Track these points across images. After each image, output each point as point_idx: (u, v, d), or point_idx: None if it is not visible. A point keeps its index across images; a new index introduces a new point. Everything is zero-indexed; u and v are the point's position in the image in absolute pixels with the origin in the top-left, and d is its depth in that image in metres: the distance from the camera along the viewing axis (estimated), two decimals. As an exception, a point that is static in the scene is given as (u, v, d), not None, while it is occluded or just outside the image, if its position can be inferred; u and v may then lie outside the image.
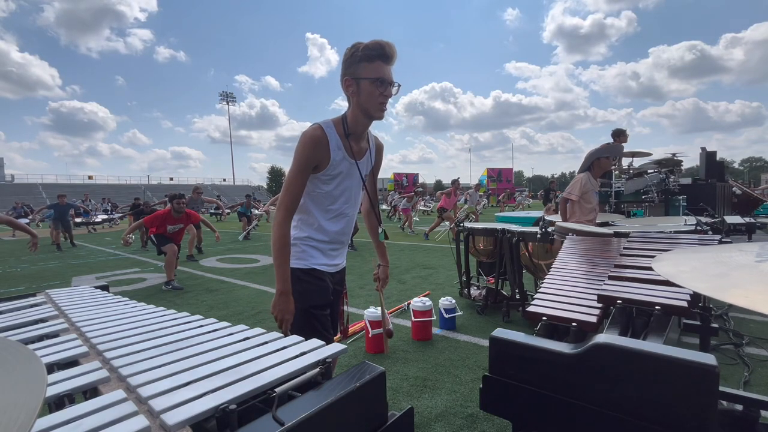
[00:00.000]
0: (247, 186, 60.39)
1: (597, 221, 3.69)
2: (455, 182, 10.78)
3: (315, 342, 0.74)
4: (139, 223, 5.69)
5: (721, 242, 1.68)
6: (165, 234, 5.49)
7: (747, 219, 3.22)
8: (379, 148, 1.59)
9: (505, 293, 3.83)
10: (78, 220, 15.35)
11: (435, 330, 3.37)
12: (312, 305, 1.41)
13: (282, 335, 0.80)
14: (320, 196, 1.40)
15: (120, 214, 18.67)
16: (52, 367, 0.70)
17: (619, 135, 6.19)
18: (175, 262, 5.30)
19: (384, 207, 20.91)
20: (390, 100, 1.34)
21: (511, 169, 44.20)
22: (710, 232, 2.40)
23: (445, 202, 10.39)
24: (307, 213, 1.45)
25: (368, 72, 1.27)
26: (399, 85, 1.34)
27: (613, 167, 6.02)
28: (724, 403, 0.94)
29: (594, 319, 1.16)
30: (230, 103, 71.62)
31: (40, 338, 0.87)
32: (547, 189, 18.19)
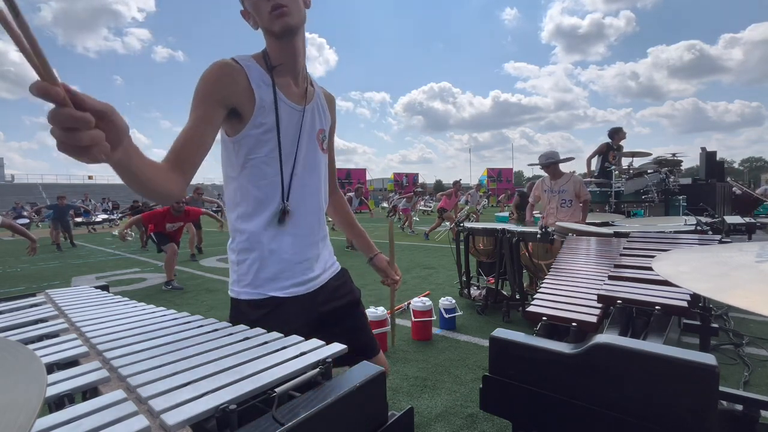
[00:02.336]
0: (247, 186, 60.13)
1: (597, 221, 3.70)
2: (457, 183, 10.88)
3: (315, 342, 0.74)
4: (138, 219, 5.65)
5: (721, 242, 1.68)
6: (164, 232, 5.48)
7: (747, 219, 3.22)
8: (330, 100, 1.19)
9: (505, 293, 3.83)
10: (78, 219, 15.34)
11: (435, 330, 3.37)
12: None
13: (282, 335, 0.80)
14: (258, 162, 0.98)
15: (120, 215, 18.60)
16: (51, 367, 0.70)
17: (617, 133, 6.21)
18: (174, 261, 5.30)
19: (384, 206, 20.88)
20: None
21: (511, 169, 44.24)
22: (710, 232, 2.40)
23: (446, 202, 10.45)
24: (245, 197, 1.01)
25: None
26: None
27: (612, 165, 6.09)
28: (724, 403, 0.94)
29: (594, 319, 1.16)
30: (230, 103, 71.45)
31: (40, 338, 0.87)
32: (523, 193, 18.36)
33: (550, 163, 4.02)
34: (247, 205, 1.01)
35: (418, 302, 3.24)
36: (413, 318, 3.22)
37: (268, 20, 0.95)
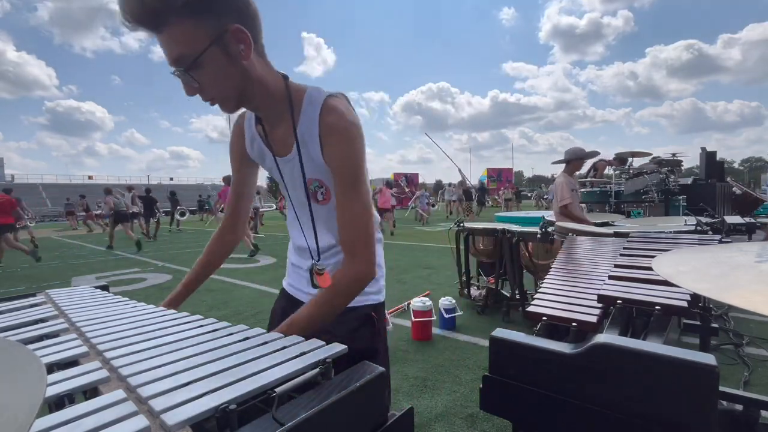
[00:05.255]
0: (247, 186, 59.91)
1: (597, 221, 3.71)
2: (388, 182, 12.45)
3: (315, 342, 0.74)
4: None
5: (721, 242, 1.68)
6: None
7: (747, 219, 3.22)
8: (328, 129, 0.91)
9: (505, 293, 3.83)
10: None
11: (435, 330, 3.37)
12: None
13: (282, 335, 0.80)
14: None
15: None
16: (51, 368, 0.70)
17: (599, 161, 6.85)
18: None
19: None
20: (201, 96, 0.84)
21: (511, 169, 44.22)
22: (710, 232, 2.40)
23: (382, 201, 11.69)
24: None
25: None
26: (183, 69, 0.78)
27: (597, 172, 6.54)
28: (724, 403, 0.94)
29: (594, 319, 1.16)
30: (230, 103, 71.30)
31: (40, 338, 0.87)
32: (481, 189, 18.91)
33: (596, 157, 4.07)
34: None
35: (418, 302, 3.24)
36: (413, 318, 3.22)
37: None
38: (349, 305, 0.97)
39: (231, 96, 0.86)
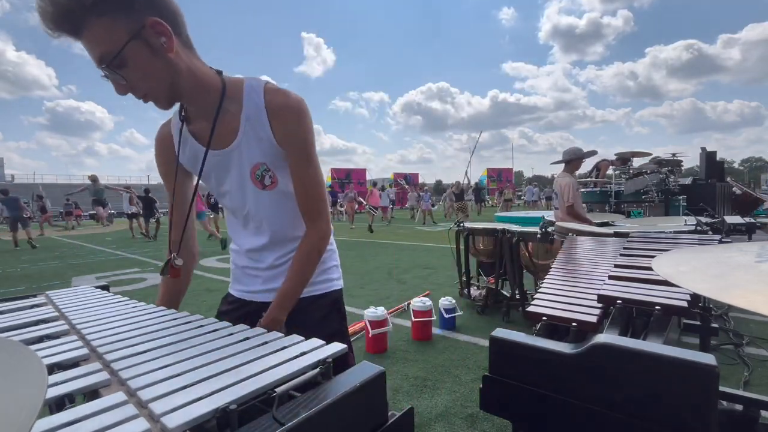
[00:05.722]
0: (247, 186, 59.93)
1: (597, 221, 3.71)
2: (374, 182, 13.96)
3: (315, 342, 0.74)
4: None
5: (721, 242, 1.68)
6: None
7: (747, 219, 3.22)
8: (277, 108, 0.94)
9: (505, 293, 3.83)
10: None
11: (435, 330, 3.37)
12: None
13: (282, 335, 0.80)
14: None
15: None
16: (51, 369, 0.70)
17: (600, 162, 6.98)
18: None
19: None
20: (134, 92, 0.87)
21: (511, 169, 44.13)
22: (710, 232, 2.40)
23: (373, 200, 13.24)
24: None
25: None
26: (107, 68, 0.80)
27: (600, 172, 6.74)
28: (724, 403, 0.94)
29: (594, 319, 1.16)
30: (230, 103, 71.23)
31: (40, 339, 0.87)
32: (477, 189, 19.63)
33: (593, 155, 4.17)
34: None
35: (418, 302, 3.25)
36: (413, 318, 3.23)
37: None
38: (319, 292, 1.10)
39: (161, 90, 0.88)
